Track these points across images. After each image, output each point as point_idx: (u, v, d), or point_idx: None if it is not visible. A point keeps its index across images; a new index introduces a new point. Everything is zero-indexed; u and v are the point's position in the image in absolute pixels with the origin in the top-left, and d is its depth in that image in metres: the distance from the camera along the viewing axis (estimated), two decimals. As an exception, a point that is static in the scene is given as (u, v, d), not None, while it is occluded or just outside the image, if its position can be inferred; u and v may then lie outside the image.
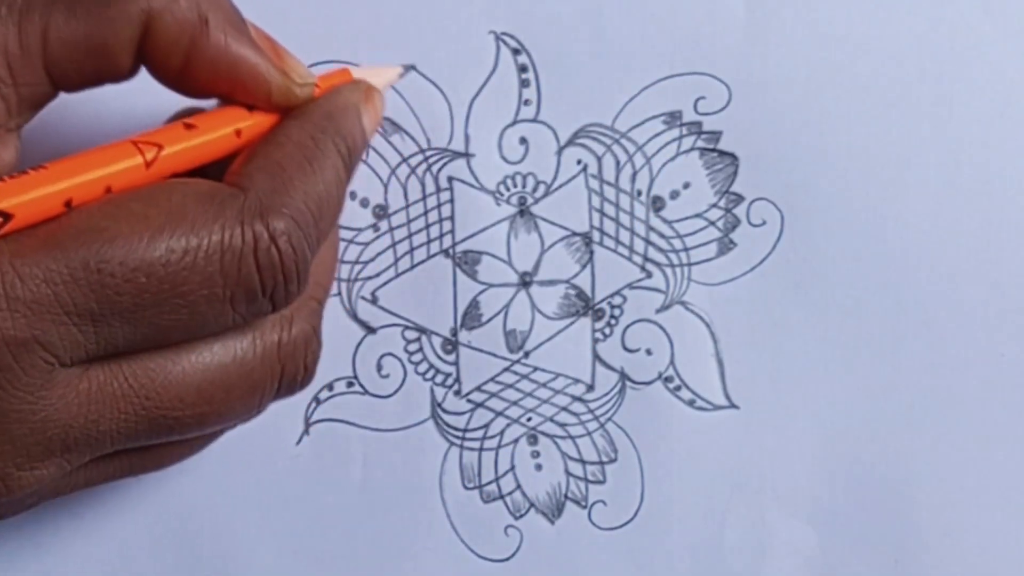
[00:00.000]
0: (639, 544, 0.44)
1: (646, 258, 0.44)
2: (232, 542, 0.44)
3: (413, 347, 0.44)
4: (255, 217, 0.34)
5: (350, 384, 0.44)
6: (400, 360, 0.44)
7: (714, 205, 0.44)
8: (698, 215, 0.44)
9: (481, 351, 0.44)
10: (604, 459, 0.44)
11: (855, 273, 0.44)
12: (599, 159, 0.44)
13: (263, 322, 0.36)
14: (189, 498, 0.44)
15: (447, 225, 0.44)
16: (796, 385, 0.44)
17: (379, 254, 0.44)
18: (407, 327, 0.44)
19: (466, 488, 0.44)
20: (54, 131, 0.41)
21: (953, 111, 0.43)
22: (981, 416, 0.44)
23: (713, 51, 0.43)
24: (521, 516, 0.44)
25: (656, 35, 0.43)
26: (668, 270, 0.44)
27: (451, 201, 0.44)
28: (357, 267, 0.44)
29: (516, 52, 0.43)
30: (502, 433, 0.44)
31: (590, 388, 0.44)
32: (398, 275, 0.44)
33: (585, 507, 0.45)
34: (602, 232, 0.44)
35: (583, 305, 0.44)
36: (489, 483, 0.44)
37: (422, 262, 0.44)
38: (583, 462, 0.44)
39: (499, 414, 0.44)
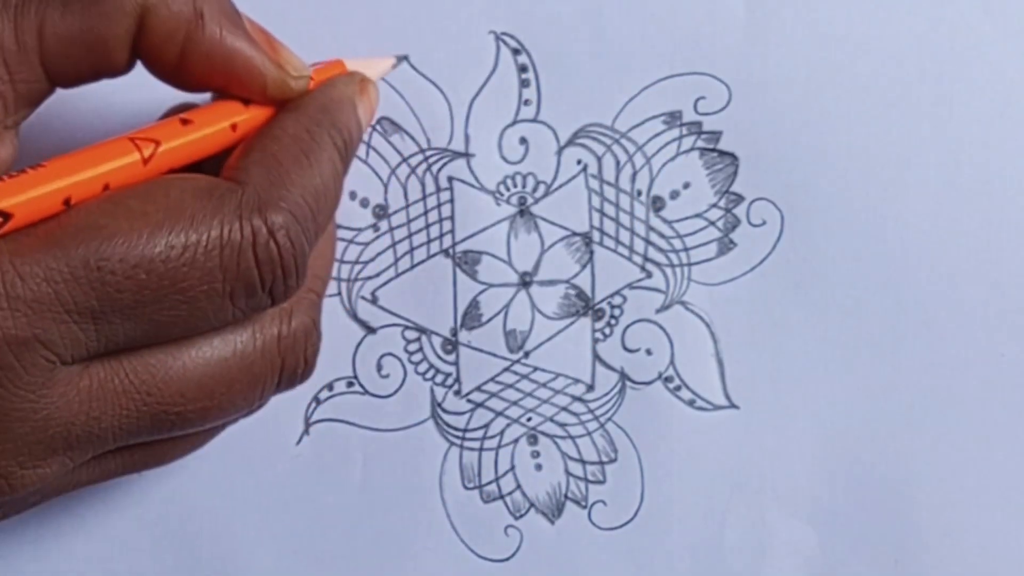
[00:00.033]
0: (639, 544, 0.44)
1: (646, 258, 0.44)
2: (232, 542, 0.44)
3: (413, 347, 0.44)
4: (253, 212, 0.34)
5: (350, 384, 0.44)
6: (400, 360, 0.44)
7: (714, 205, 0.44)
8: (698, 215, 0.44)
9: (481, 351, 0.44)
10: (604, 459, 0.44)
11: (855, 273, 0.44)
12: (599, 159, 0.44)
13: (262, 316, 0.36)
14: (189, 498, 0.44)
15: (447, 225, 0.44)
16: (796, 385, 0.44)
17: (379, 254, 0.44)
18: (407, 327, 0.44)
19: (466, 488, 0.44)
20: (51, 127, 0.41)
21: (953, 111, 0.43)
22: (981, 416, 0.44)
23: (713, 51, 0.43)
24: (521, 516, 0.44)
25: (656, 35, 0.43)
26: (668, 270, 0.44)
27: (451, 201, 0.44)
28: (357, 267, 0.44)
29: (516, 52, 0.43)
30: (502, 433, 0.44)
31: (590, 388, 0.44)
32: (398, 275, 0.44)
33: (585, 507, 0.44)
34: (602, 232, 0.44)
35: (583, 305, 0.44)
36: (489, 483, 0.44)
37: (422, 262, 0.44)
38: (583, 462, 0.44)
39: (499, 414, 0.44)
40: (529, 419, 0.44)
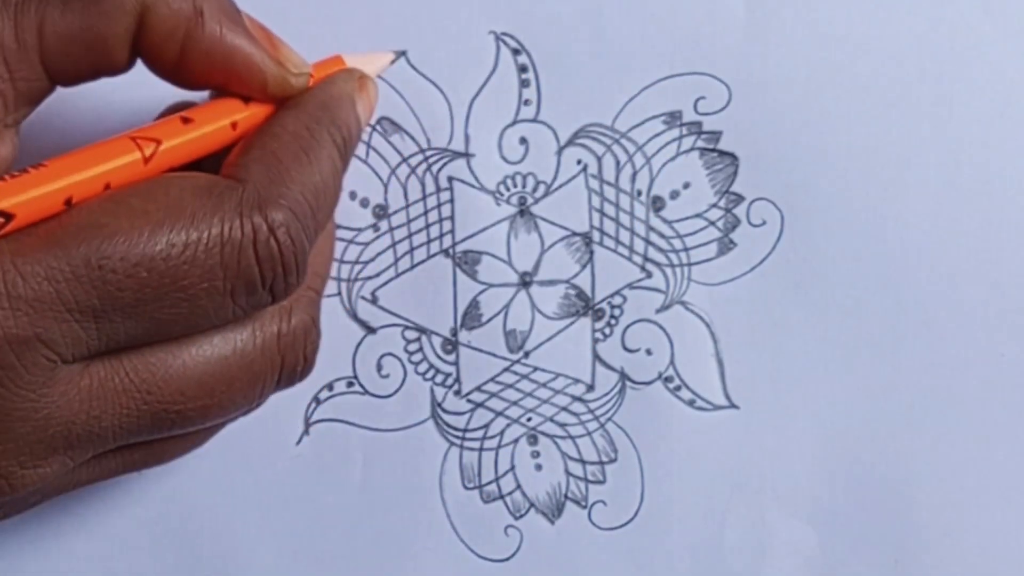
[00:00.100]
0: (639, 544, 0.44)
1: (646, 258, 0.44)
2: (232, 542, 0.44)
3: (413, 347, 0.44)
4: (253, 209, 0.34)
5: (350, 384, 0.44)
6: (400, 360, 0.44)
7: (714, 205, 0.44)
8: (698, 215, 0.44)
9: (481, 351, 0.44)
10: (604, 459, 0.44)
11: (855, 273, 0.44)
12: (599, 159, 0.44)
13: (262, 314, 0.36)
14: (189, 498, 0.44)
15: (447, 225, 0.44)
16: (796, 385, 0.44)
17: (379, 254, 0.44)
18: (407, 327, 0.44)
19: (466, 488, 0.44)
20: (51, 125, 0.41)
21: (953, 111, 0.43)
22: (981, 416, 0.44)
23: (713, 51, 0.43)
24: (521, 516, 0.44)
25: (656, 35, 0.43)
26: (668, 270, 0.44)
27: (451, 201, 0.44)
28: (357, 267, 0.44)
29: (516, 52, 0.43)
30: (502, 433, 0.44)
31: (590, 388, 0.44)
32: (398, 275, 0.44)
33: (585, 507, 0.44)
34: (602, 232, 0.44)
35: (583, 305, 0.44)
36: (489, 483, 0.44)
37: (422, 262, 0.44)
38: (583, 462, 0.44)
39: (499, 414, 0.44)
40: (529, 419, 0.44)
